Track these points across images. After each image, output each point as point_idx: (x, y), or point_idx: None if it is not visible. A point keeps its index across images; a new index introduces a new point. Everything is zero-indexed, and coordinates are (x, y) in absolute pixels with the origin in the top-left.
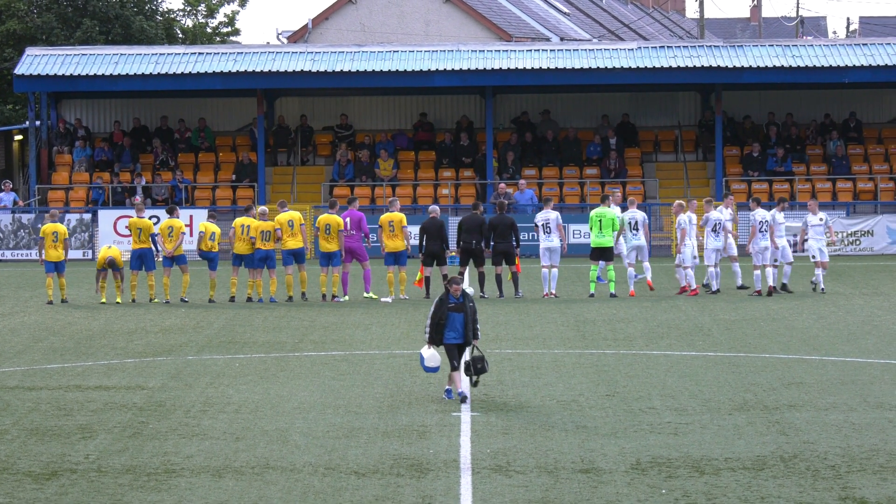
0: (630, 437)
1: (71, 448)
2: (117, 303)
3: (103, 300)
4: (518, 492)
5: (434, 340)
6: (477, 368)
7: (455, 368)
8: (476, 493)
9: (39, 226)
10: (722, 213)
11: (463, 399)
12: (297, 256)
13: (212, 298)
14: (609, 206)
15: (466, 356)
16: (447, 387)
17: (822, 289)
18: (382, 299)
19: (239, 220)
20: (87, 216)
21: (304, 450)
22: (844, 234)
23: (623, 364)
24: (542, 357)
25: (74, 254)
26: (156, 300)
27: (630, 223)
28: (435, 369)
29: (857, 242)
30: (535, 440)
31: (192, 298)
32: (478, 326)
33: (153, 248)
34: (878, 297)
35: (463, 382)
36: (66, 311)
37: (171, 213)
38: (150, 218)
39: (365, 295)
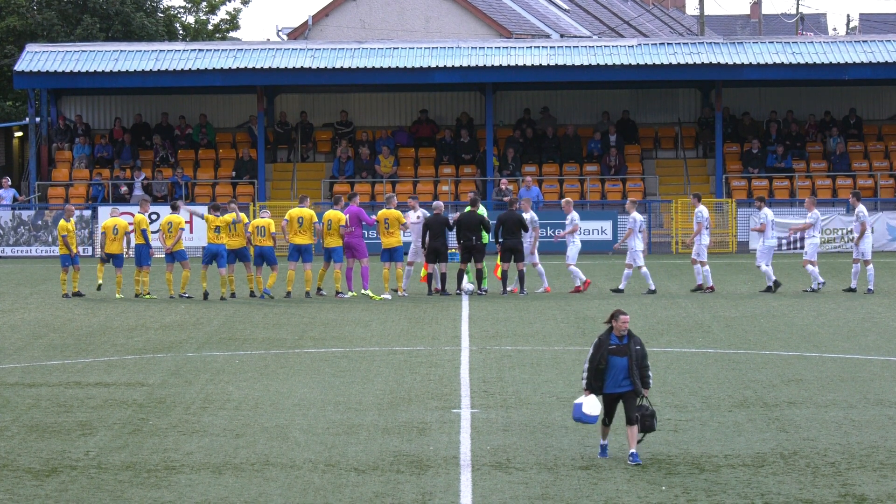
0: None
1: (71, 445)
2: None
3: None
4: (518, 488)
5: (592, 388)
6: (645, 426)
7: (607, 424)
8: (476, 490)
9: (40, 221)
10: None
11: (636, 463)
12: (302, 253)
13: (234, 293)
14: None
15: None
16: (602, 442)
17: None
18: (382, 296)
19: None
20: (87, 213)
21: (303, 446)
22: (844, 231)
23: None
24: (543, 354)
25: None
26: (148, 296)
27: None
28: (594, 419)
29: None
30: (535, 437)
31: (197, 293)
32: (649, 373)
33: (147, 245)
34: (877, 294)
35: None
36: (66, 308)
37: (174, 209)
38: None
39: (362, 292)
